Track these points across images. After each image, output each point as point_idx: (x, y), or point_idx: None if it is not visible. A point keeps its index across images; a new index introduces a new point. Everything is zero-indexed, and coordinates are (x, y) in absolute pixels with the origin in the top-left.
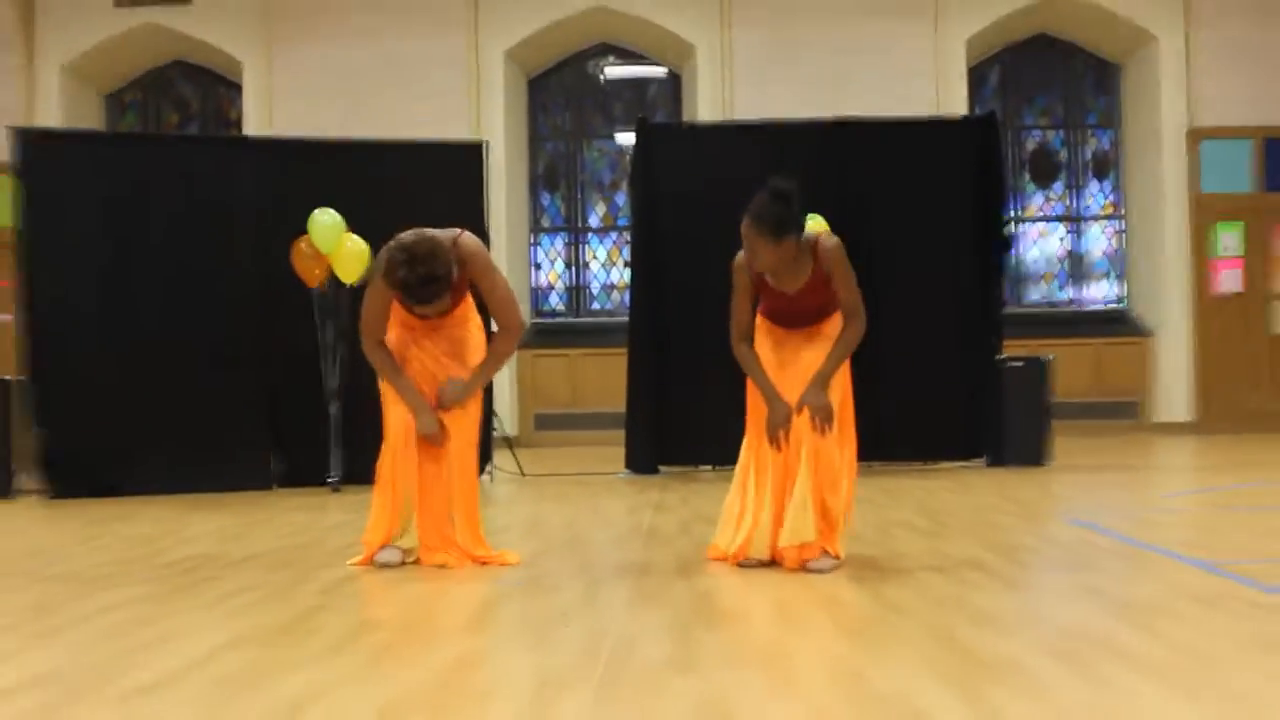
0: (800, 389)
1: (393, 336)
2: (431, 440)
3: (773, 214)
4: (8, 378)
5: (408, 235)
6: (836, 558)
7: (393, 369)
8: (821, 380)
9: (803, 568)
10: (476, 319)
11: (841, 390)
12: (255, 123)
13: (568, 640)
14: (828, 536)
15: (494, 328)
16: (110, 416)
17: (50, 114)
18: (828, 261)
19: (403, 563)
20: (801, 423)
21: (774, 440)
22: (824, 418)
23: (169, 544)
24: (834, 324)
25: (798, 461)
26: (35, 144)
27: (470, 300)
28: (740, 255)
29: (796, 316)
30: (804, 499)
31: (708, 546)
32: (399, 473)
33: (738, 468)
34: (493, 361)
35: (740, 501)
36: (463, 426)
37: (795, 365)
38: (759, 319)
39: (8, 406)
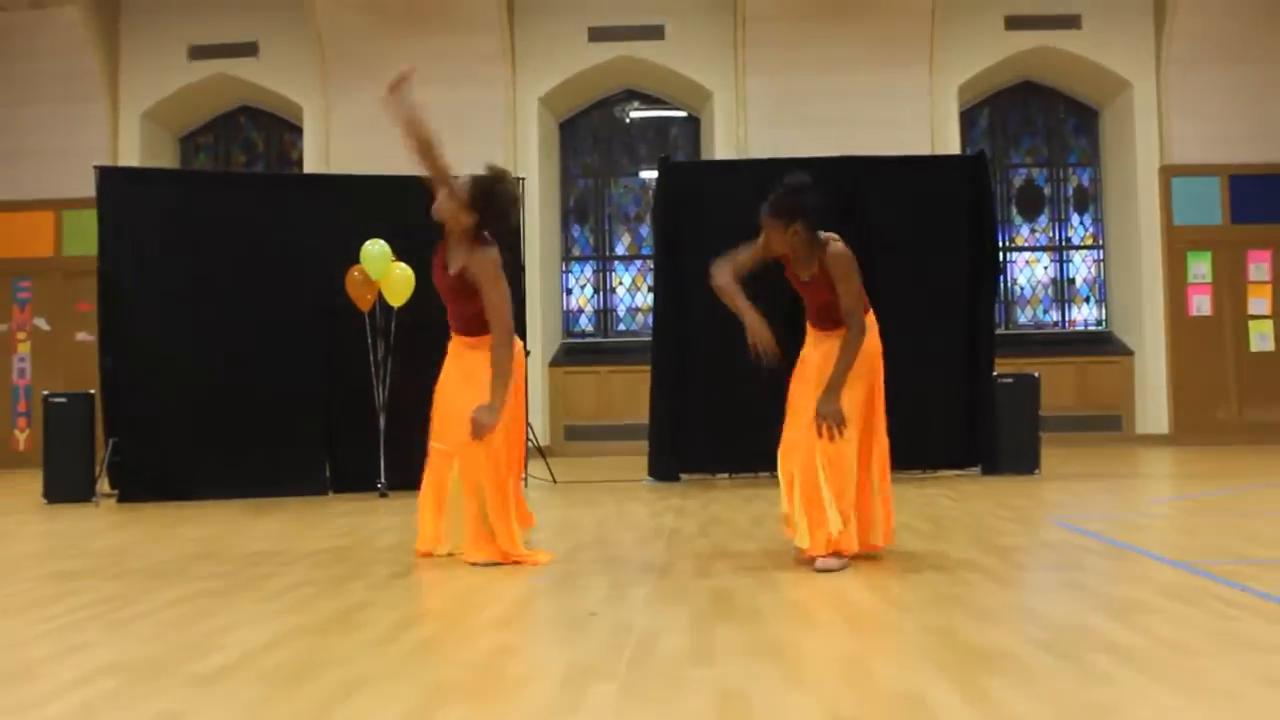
0: (811, 390)
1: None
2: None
3: (783, 203)
4: (91, 392)
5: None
6: (845, 557)
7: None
8: (833, 387)
9: (812, 566)
10: (484, 348)
11: (866, 390)
12: (314, 161)
13: (595, 634)
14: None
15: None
16: (179, 428)
17: (131, 156)
18: (830, 263)
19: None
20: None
21: (756, 356)
22: (835, 422)
23: (232, 543)
24: (841, 335)
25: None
26: (117, 181)
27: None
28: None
29: (810, 308)
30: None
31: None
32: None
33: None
34: (496, 374)
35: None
36: (482, 441)
37: (803, 367)
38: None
39: (91, 419)
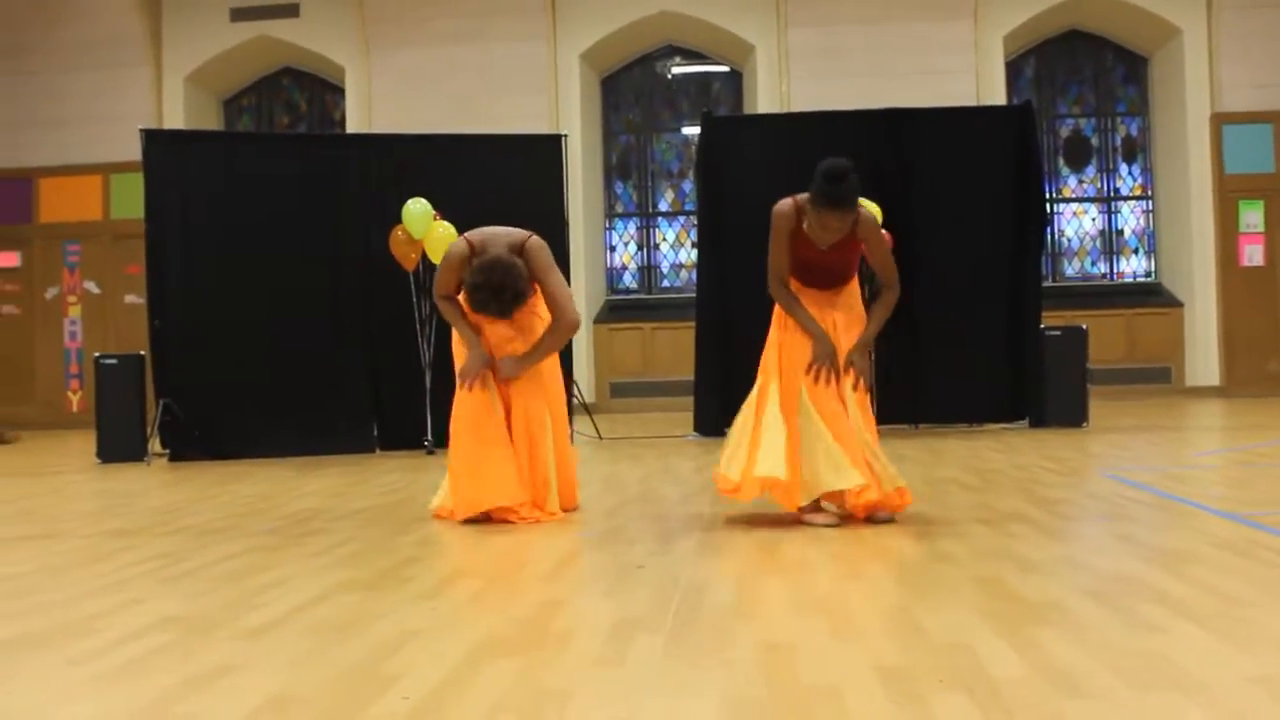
0: (838, 345)
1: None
2: (476, 375)
3: (847, 192)
4: (141, 353)
5: (488, 262)
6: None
7: (455, 313)
8: (865, 344)
9: (869, 519)
10: (543, 309)
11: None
12: (356, 121)
13: (642, 587)
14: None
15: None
16: (228, 387)
17: (175, 119)
18: (864, 229)
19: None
20: (845, 380)
21: (819, 375)
22: (864, 375)
23: (281, 501)
24: (851, 290)
25: (844, 413)
26: (162, 144)
27: (539, 292)
28: (784, 203)
29: (820, 273)
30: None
31: (718, 477)
32: (481, 443)
33: (758, 402)
34: (542, 349)
35: (756, 434)
36: (531, 402)
37: (824, 318)
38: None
39: (142, 380)
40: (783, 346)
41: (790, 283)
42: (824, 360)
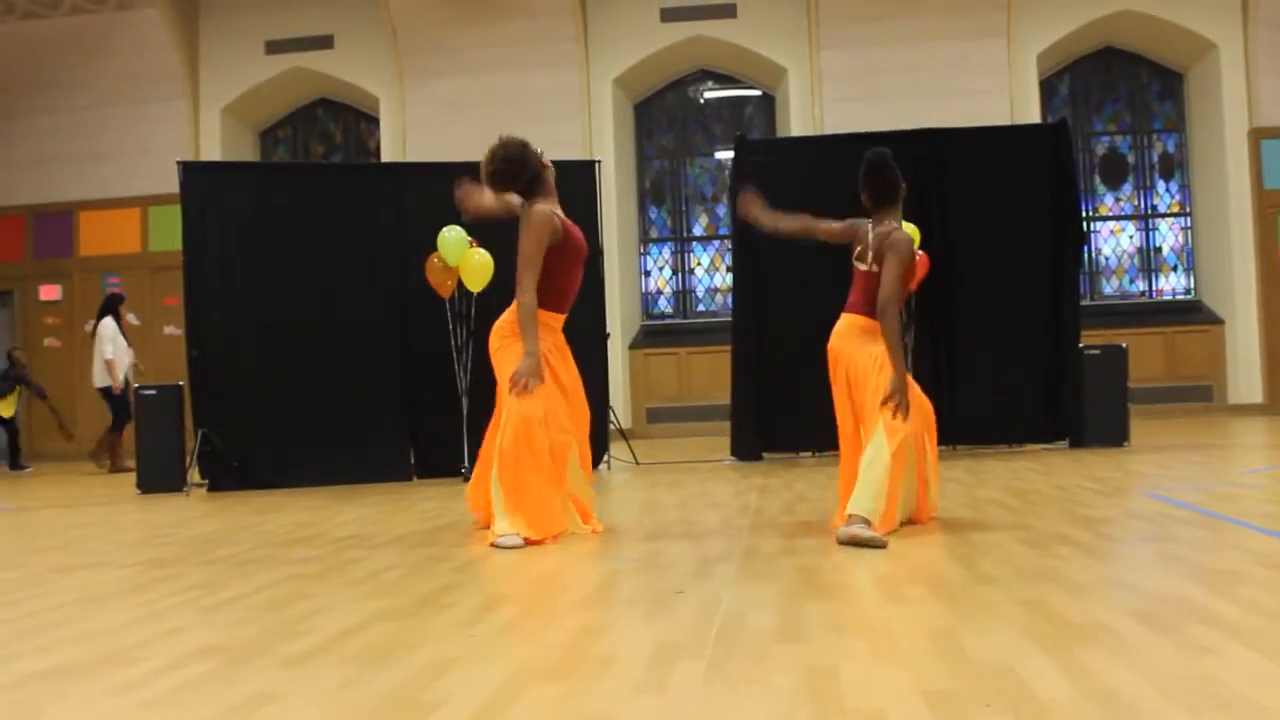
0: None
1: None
2: (534, 378)
3: (895, 182)
4: (180, 384)
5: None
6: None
7: (533, 318)
8: (899, 376)
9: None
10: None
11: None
12: (391, 151)
13: (682, 612)
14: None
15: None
16: (266, 417)
17: (213, 151)
18: (886, 243)
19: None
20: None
21: (894, 410)
22: (903, 409)
23: (320, 530)
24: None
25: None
26: (199, 175)
27: None
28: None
29: (857, 293)
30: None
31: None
32: (532, 471)
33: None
34: (521, 330)
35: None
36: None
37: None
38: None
39: (181, 410)
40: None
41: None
42: (898, 396)
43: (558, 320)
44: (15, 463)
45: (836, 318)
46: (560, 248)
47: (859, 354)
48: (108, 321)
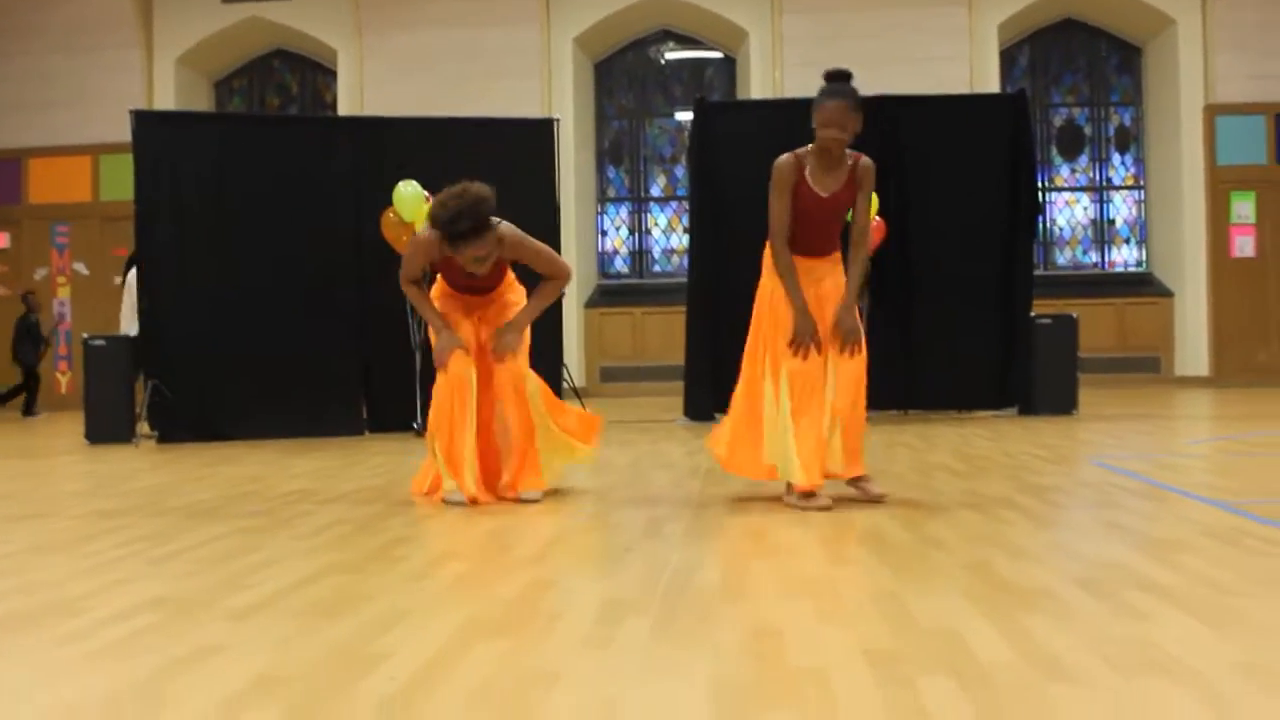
0: (825, 317)
1: (439, 306)
2: (450, 357)
3: (848, 87)
4: (131, 335)
5: (457, 189)
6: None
7: (422, 298)
8: (850, 302)
9: (858, 488)
10: (520, 290)
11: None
12: (348, 104)
13: (630, 570)
14: (857, 459)
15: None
16: (217, 369)
17: (166, 101)
18: (863, 172)
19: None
20: (832, 345)
21: (800, 350)
22: (855, 340)
23: (270, 483)
24: (837, 260)
25: (824, 383)
26: (152, 125)
27: (512, 275)
28: (784, 156)
29: (817, 228)
30: (837, 426)
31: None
32: (456, 428)
33: (756, 380)
34: (538, 300)
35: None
36: (512, 373)
37: (818, 290)
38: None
39: (131, 361)
40: (766, 324)
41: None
42: (805, 337)
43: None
44: (30, 409)
45: None
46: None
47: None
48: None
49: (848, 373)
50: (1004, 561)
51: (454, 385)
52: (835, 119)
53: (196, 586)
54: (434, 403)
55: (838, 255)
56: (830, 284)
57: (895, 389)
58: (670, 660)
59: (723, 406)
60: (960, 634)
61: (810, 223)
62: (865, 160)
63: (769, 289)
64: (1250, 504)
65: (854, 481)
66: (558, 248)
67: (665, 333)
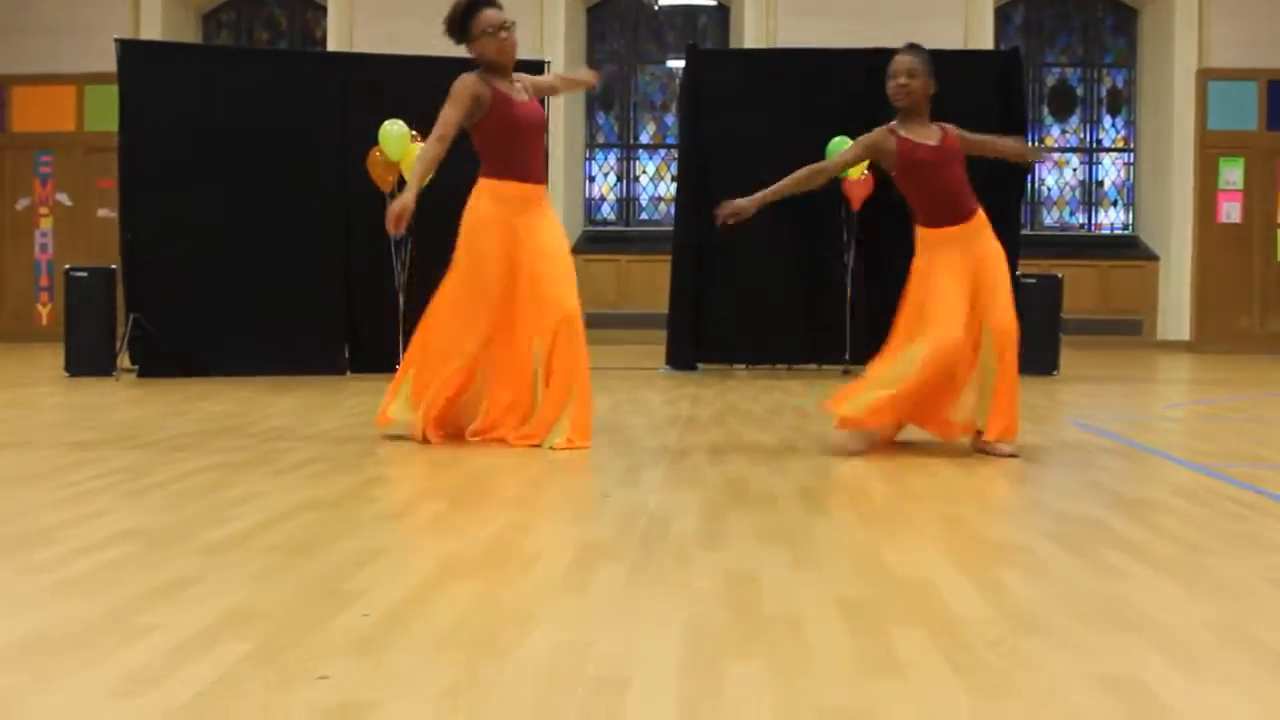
0: (982, 281)
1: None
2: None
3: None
4: (113, 267)
5: None
6: None
7: (430, 158)
8: (1021, 151)
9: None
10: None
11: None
12: (337, 40)
13: (607, 515)
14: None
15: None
16: (199, 304)
17: (153, 32)
18: (955, 134)
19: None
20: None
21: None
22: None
23: (250, 419)
24: (980, 223)
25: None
26: (138, 55)
27: None
28: (878, 129)
29: (939, 189)
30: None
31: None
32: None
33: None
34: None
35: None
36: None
37: (966, 254)
38: (924, 234)
39: (113, 293)
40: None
41: (918, 231)
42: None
43: (520, 189)
44: None
45: (777, 232)
46: (489, 118)
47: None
48: None
49: (996, 325)
50: (980, 516)
51: (483, 308)
52: (895, 69)
53: (172, 520)
54: (438, 317)
55: (979, 219)
56: (980, 247)
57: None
58: (645, 605)
59: (705, 356)
60: (934, 586)
61: (931, 187)
62: (947, 125)
63: (923, 269)
64: (1225, 466)
65: (981, 443)
66: None
67: (650, 281)
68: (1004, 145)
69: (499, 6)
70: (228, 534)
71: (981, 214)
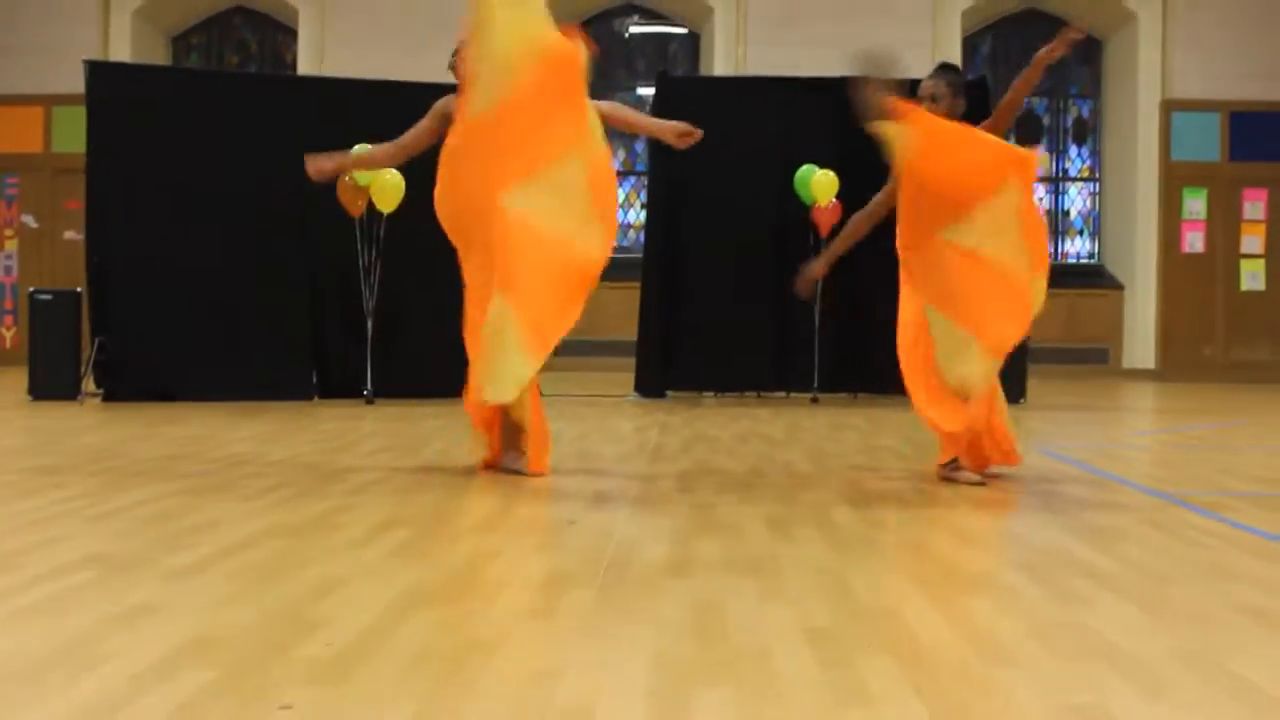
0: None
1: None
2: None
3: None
4: (78, 290)
5: None
6: None
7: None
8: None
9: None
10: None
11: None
12: (308, 65)
13: (574, 542)
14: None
15: None
16: (166, 328)
17: (122, 54)
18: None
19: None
20: None
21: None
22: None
23: (214, 445)
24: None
25: None
26: (107, 77)
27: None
28: None
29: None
30: None
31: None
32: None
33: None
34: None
35: None
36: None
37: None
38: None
39: (78, 317)
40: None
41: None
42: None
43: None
44: None
45: (746, 260)
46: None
47: None
48: None
49: None
50: (947, 544)
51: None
52: (920, 94)
53: (134, 546)
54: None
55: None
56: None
57: (844, 372)
58: (612, 634)
59: (674, 384)
60: (901, 614)
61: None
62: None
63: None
64: (1191, 495)
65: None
66: None
67: (620, 308)
68: (1025, 75)
69: None
70: (190, 560)
71: None
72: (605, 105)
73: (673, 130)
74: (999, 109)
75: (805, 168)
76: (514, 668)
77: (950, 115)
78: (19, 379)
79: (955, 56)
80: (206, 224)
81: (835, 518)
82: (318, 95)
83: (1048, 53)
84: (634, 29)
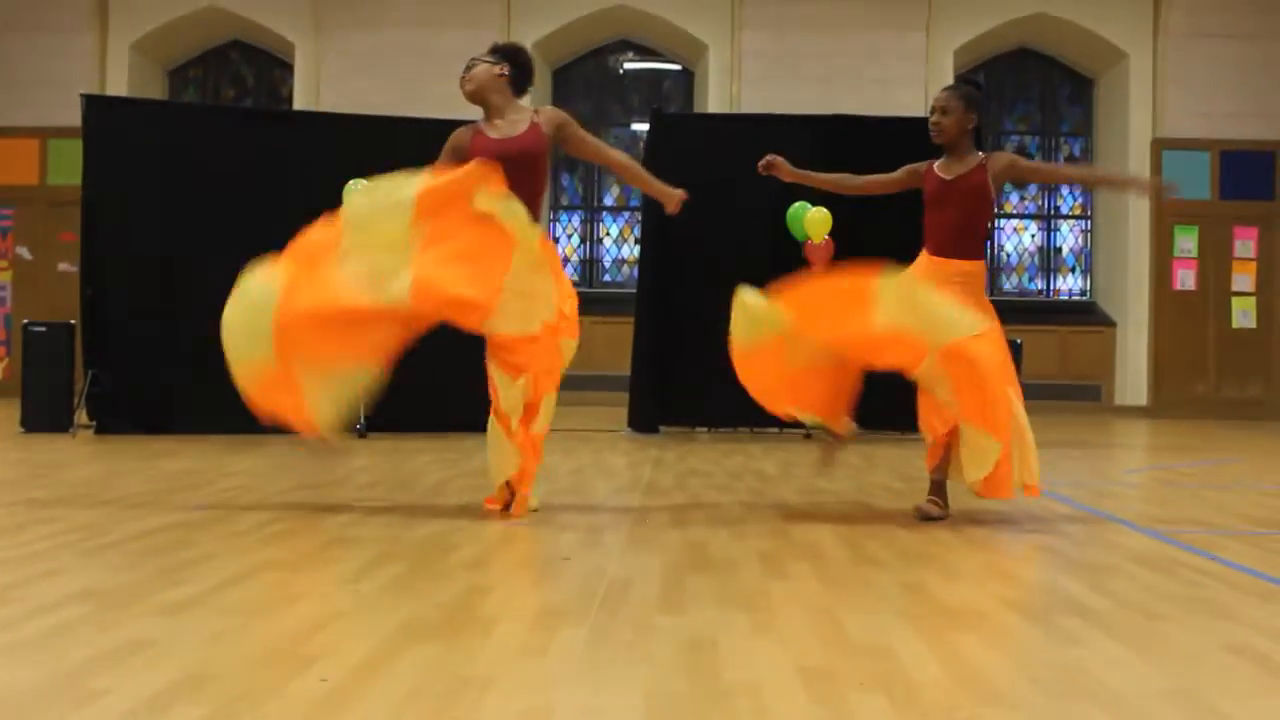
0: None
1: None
2: None
3: (969, 91)
4: (72, 322)
5: None
6: None
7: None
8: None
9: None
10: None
11: None
12: (303, 100)
13: (567, 579)
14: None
15: None
16: (159, 361)
17: (119, 87)
18: (994, 162)
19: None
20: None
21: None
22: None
23: (209, 478)
24: (977, 274)
25: None
26: (103, 110)
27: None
28: (927, 161)
29: (948, 218)
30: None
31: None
32: None
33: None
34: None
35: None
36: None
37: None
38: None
39: (71, 349)
40: None
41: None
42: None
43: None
44: None
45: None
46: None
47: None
48: None
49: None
50: (938, 582)
51: None
52: (931, 106)
53: (128, 580)
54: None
55: (976, 270)
56: (959, 288)
57: None
58: (604, 671)
59: (667, 419)
60: (893, 652)
61: (938, 213)
62: (996, 153)
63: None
64: (1182, 533)
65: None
66: None
67: (613, 343)
68: (1075, 173)
69: (484, 56)
70: (184, 595)
71: (980, 265)
72: (622, 157)
73: (673, 200)
74: (1031, 170)
75: (798, 205)
76: (507, 705)
77: (960, 129)
78: (11, 411)
79: None
80: (200, 256)
81: (828, 554)
82: (313, 130)
83: (1128, 181)
84: (628, 65)
